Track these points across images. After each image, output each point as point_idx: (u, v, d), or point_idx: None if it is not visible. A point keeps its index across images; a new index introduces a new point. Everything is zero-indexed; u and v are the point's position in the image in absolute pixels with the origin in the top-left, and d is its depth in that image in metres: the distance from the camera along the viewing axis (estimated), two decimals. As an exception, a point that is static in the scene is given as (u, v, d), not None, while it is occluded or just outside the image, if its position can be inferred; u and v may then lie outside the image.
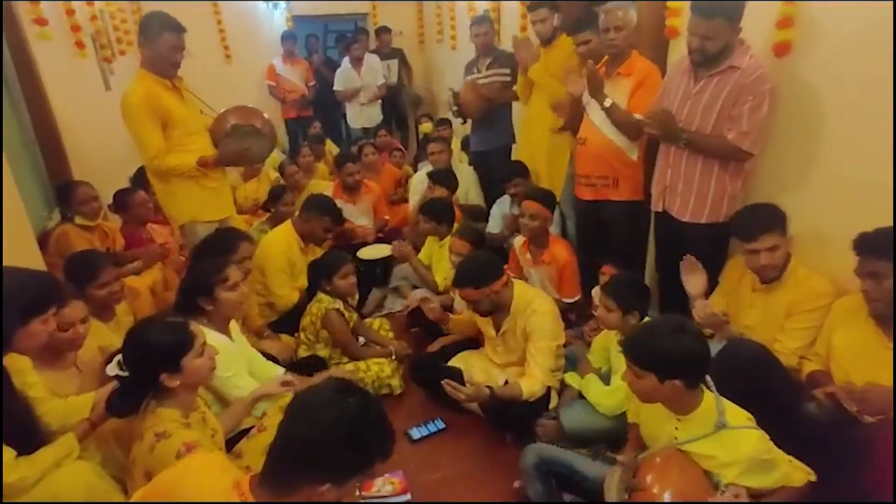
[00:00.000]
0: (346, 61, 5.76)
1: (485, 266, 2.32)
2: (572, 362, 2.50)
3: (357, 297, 3.16)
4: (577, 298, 2.96)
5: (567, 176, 3.39)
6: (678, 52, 2.62)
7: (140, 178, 3.81)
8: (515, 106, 3.94)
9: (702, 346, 1.53)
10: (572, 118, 2.99)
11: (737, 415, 1.57)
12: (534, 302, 2.32)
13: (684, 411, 1.58)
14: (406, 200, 4.45)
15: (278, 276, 2.98)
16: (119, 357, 1.51)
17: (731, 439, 1.51)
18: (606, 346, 2.33)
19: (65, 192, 3.01)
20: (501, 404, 2.22)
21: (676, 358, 1.49)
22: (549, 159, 3.46)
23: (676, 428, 1.61)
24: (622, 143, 2.77)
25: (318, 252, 3.22)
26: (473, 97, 3.81)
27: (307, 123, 5.99)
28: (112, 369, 1.52)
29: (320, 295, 2.72)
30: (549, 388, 2.31)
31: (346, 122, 6.20)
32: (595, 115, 2.80)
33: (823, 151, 2.13)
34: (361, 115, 5.88)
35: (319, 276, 2.74)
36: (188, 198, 2.75)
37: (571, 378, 2.36)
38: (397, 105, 6.46)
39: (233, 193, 4.35)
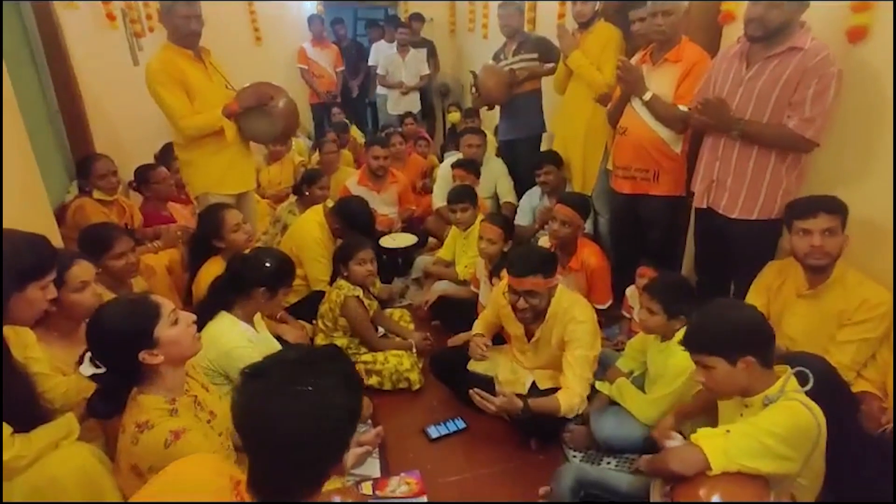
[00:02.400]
0: (391, 46, 5.70)
1: (546, 255, 2.16)
2: (602, 367, 2.35)
3: (378, 285, 3.05)
4: (608, 304, 2.80)
5: (601, 170, 3.24)
6: (732, 39, 2.44)
7: (165, 156, 3.76)
8: (548, 95, 3.78)
9: (758, 315, 1.50)
10: (614, 111, 2.82)
11: (794, 397, 1.44)
12: (573, 308, 2.14)
13: (754, 392, 1.47)
14: (431, 191, 4.32)
15: (319, 263, 2.94)
16: (89, 354, 1.37)
17: (766, 412, 1.42)
18: (643, 349, 2.18)
19: (84, 166, 2.96)
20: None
21: (738, 331, 1.44)
22: (584, 151, 3.32)
23: (741, 415, 1.51)
24: (665, 135, 2.61)
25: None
26: (494, 83, 3.64)
27: (332, 109, 5.91)
28: (87, 369, 1.36)
29: (340, 282, 2.62)
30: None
31: (372, 109, 6.10)
32: (637, 103, 2.63)
33: (886, 144, 1.94)
34: (400, 102, 5.84)
35: (338, 260, 2.64)
36: (207, 169, 2.73)
37: (602, 385, 2.21)
38: (424, 95, 6.36)
39: (255, 176, 4.33)
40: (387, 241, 3.54)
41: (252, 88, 2.69)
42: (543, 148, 3.88)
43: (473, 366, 2.41)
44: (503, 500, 1.98)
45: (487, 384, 2.19)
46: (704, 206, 2.36)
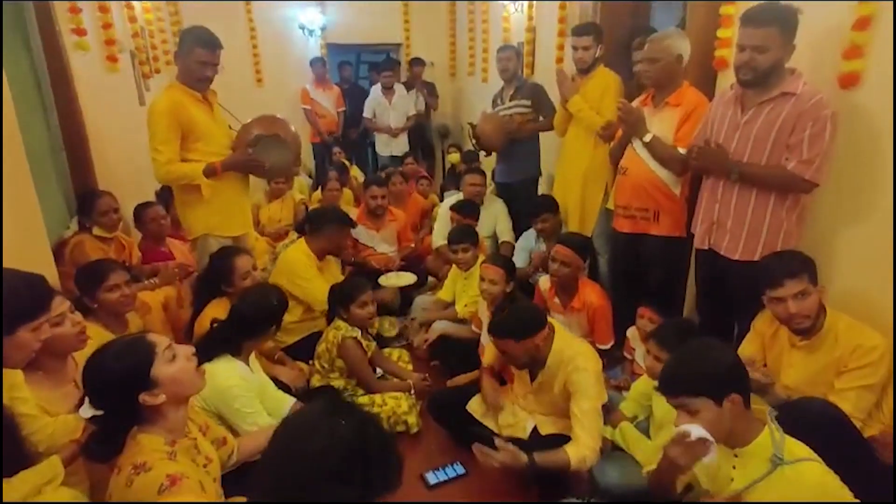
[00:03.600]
0: (376, 89, 5.79)
1: (527, 317, 2.06)
2: (605, 410, 2.29)
3: (376, 325, 3.01)
4: (610, 345, 2.76)
5: (601, 210, 3.26)
6: (726, 85, 2.49)
7: (165, 194, 3.77)
8: (546, 137, 3.83)
9: (735, 354, 1.50)
10: (615, 150, 2.86)
11: (795, 449, 1.38)
12: (577, 358, 2.04)
13: (743, 441, 1.42)
14: (431, 230, 4.33)
15: (313, 283, 2.89)
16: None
17: (793, 476, 1.34)
18: (647, 393, 2.13)
19: (86, 202, 2.96)
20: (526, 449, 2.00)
21: (723, 368, 1.41)
22: (583, 193, 3.34)
23: (734, 467, 1.45)
24: (665, 176, 2.63)
25: (333, 268, 3.16)
26: (490, 129, 3.71)
27: (333, 149, 5.99)
28: (87, 411, 1.31)
29: (338, 322, 2.58)
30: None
31: (373, 149, 6.19)
32: (638, 144, 2.67)
33: (885, 185, 1.95)
34: (390, 144, 5.92)
35: (338, 303, 2.61)
36: (204, 211, 2.70)
37: (604, 429, 2.14)
38: (424, 135, 6.47)
39: (256, 214, 4.34)
40: (385, 280, 3.52)
41: (241, 154, 2.71)
42: (542, 190, 3.91)
43: (472, 407, 2.35)
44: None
45: (491, 441, 2.02)
46: (706, 247, 2.36)
